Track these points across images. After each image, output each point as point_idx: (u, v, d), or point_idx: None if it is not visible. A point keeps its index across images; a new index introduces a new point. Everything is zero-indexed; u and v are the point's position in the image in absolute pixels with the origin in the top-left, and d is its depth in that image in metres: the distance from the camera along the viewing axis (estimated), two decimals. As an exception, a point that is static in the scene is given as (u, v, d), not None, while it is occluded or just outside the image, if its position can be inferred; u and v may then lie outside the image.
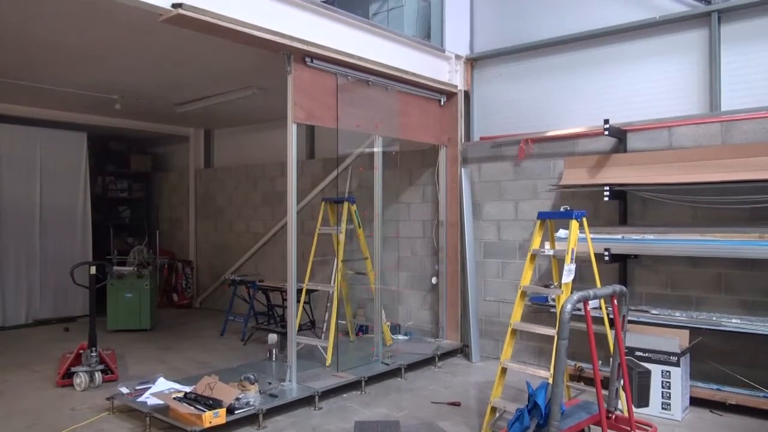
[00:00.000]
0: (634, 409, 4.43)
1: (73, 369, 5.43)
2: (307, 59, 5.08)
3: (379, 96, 5.89)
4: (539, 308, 5.73)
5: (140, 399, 4.71)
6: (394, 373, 5.76)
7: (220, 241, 9.86)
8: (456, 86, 6.72)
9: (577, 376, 5.27)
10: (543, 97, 6.36)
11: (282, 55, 4.97)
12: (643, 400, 4.68)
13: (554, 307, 5.26)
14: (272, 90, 6.86)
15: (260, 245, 9.07)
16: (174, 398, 4.49)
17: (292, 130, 4.98)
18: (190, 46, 5.32)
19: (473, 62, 6.91)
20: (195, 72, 6.28)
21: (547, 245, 4.80)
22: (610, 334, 4.35)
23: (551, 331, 4.17)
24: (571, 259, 4.27)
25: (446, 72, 6.67)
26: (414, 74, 6.09)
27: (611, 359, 3.95)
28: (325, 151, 8.44)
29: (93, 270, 5.64)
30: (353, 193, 7.70)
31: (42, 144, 8.60)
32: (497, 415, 4.40)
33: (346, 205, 6.26)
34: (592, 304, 3.77)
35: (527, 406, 3.62)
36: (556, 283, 4.91)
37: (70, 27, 4.91)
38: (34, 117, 8.28)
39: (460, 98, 6.77)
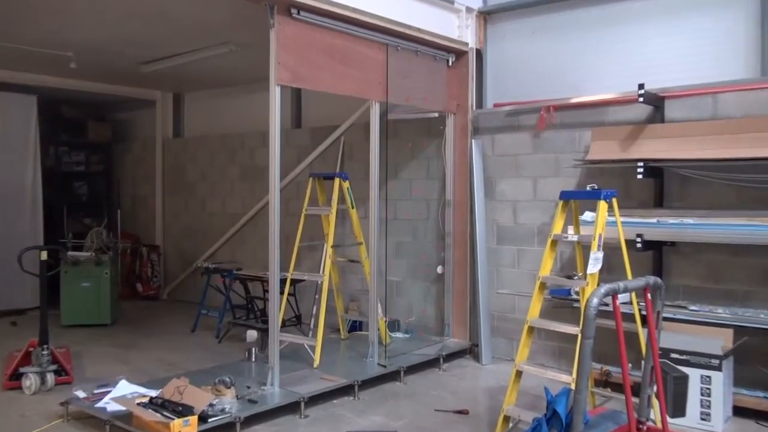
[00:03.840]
0: (669, 420, 4.44)
1: (21, 370, 5.42)
2: (293, 11, 5.01)
3: (377, 55, 5.82)
4: (560, 303, 5.74)
5: (99, 404, 4.70)
6: (393, 376, 5.77)
7: (191, 222, 9.82)
8: (467, 44, 6.65)
9: (604, 381, 5.29)
10: (567, 57, 6.29)
11: (264, 6, 4.89)
12: (678, 409, 4.69)
13: (578, 301, 5.26)
14: (252, 47, 6.78)
15: (238, 227, 9.04)
16: (138, 404, 4.49)
17: (275, 94, 4.93)
18: (155, -7, 5.24)
19: (487, 16, 6.82)
20: (163, 25, 6.19)
21: (571, 230, 4.78)
22: (643, 333, 4.35)
23: (574, 329, 4.17)
24: (599, 246, 4.25)
25: (455, 27, 6.60)
26: (418, 29, 6.02)
27: (643, 362, 3.95)
28: (313, 118, 8.36)
29: (44, 255, 5.61)
30: (345, 169, 7.67)
31: (-17, 108, 8.52)
32: (511, 425, 4.41)
33: (337, 181, 6.22)
34: (621, 298, 3.76)
35: (545, 415, 3.62)
36: (580, 274, 4.89)
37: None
38: (-27, 77, 8.20)
39: (471, 58, 6.71)
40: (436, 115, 6.86)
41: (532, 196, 6.35)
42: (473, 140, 6.65)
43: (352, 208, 6.40)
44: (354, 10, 5.38)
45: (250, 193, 8.97)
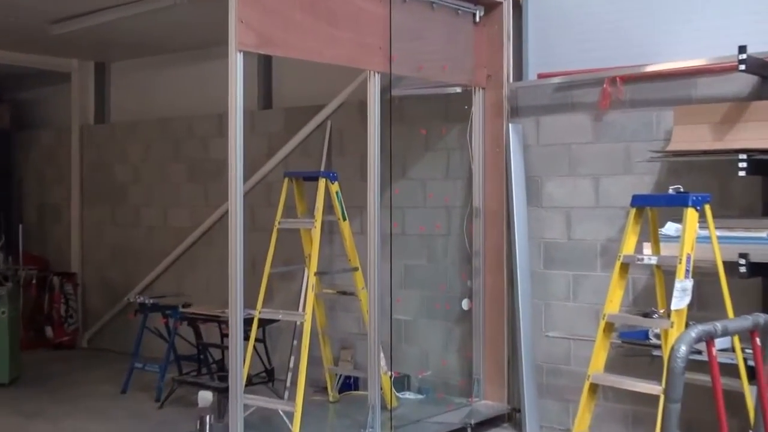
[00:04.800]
0: None
1: None
2: (260, -53, 5.03)
3: (376, 8, 5.82)
4: (634, 350, 5.71)
5: (-7, 496, 4.69)
6: (401, 453, 5.76)
7: (121, 240, 9.80)
8: (500, -9, 6.68)
9: (695, 459, 5.27)
10: (640, 10, 6.30)
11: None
12: (800, 498, 4.66)
13: (659, 348, 5.23)
14: (204, -2, 6.80)
15: (186, 247, 9.04)
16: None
17: (236, 64, 4.92)
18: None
19: (528, -48, 6.86)
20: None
21: (648, 249, 4.75)
22: (750, 392, 4.32)
23: (654, 388, 4.14)
24: (687, 271, 4.23)
25: (484, -32, 6.62)
26: (433, -27, 6.05)
27: (751, 432, 3.92)
28: (288, 96, 8.35)
29: None
30: (333, 166, 7.65)
31: None
32: None
33: (323, 183, 6.21)
34: (720, 343, 3.74)
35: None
36: (661, 311, 4.87)
37: None
38: None
39: (507, 11, 6.71)
40: (459, 90, 6.86)
41: (593, 201, 6.32)
42: (510, 124, 6.63)
43: (344, 219, 6.38)
44: (344, -54, 5.40)
45: (203, 199, 8.95)
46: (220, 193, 8.53)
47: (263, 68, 8.47)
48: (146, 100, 9.79)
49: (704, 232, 4.58)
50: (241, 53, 4.94)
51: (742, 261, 5.05)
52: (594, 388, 4.43)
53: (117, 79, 10.24)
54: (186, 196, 9.16)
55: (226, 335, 6.08)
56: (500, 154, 6.66)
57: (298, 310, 6.66)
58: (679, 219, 4.70)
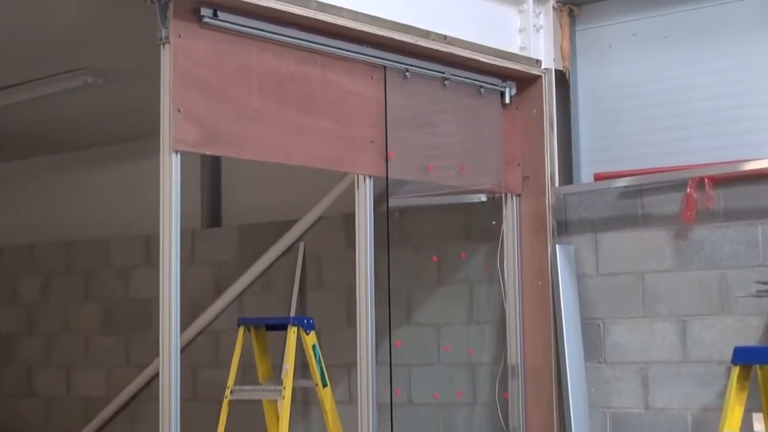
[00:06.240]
0: None
1: None
2: (205, 11, 5.13)
3: (366, 88, 5.93)
4: None
5: None
6: None
7: (4, 415, 9.77)
8: (538, 62, 6.81)
9: None
10: (735, 81, 6.41)
11: (150, 2, 5.02)
12: None
13: None
14: (127, 78, 6.93)
15: (98, 426, 9.01)
16: None
17: (172, 167, 4.93)
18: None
19: (575, 9, 7.01)
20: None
21: (759, 423, 4.73)
22: None
23: None
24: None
25: (515, 31, 6.77)
26: (443, 38, 6.16)
27: None
28: (244, 209, 8.47)
29: None
30: (309, 308, 7.68)
31: None
32: None
33: (293, 333, 6.22)
34: None
35: None
36: None
37: None
38: None
39: (548, 88, 6.84)
40: (484, 198, 6.94)
41: (679, 353, 6.31)
42: (558, 246, 6.67)
43: (324, 385, 6.35)
44: (319, 5, 5.47)
45: (122, 356, 8.97)
46: (148, 348, 8.55)
47: (209, 172, 8.61)
48: (44, 216, 9.89)
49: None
50: (178, 155, 4.94)
51: None
52: None
53: (3, 187, 10.38)
54: (99, 353, 9.17)
55: None
56: (544, 287, 6.69)
57: None
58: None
